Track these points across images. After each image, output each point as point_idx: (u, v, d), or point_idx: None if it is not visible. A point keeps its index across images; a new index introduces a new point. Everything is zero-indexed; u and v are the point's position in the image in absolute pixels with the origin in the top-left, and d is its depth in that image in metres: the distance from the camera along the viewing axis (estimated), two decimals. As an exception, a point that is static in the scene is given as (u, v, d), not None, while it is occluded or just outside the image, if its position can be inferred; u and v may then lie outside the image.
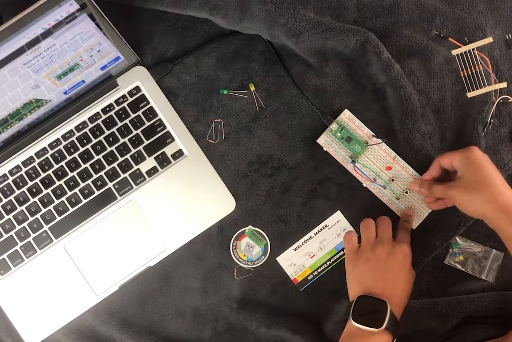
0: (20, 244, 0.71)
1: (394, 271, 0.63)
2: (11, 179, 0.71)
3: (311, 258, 0.71)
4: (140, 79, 0.72)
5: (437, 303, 0.67)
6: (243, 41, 0.73)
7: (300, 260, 0.71)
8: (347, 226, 0.71)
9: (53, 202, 0.71)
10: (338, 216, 0.71)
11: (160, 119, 0.71)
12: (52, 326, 0.70)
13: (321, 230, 0.71)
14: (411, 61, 0.71)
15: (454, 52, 0.71)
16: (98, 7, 0.63)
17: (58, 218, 0.71)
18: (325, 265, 0.71)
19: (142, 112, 0.71)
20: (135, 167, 0.71)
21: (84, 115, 0.72)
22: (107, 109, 0.72)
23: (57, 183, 0.71)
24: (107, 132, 0.71)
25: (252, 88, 0.73)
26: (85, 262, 0.71)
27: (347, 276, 0.66)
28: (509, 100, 0.71)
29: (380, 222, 0.68)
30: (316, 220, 0.71)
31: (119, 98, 0.72)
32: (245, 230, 0.72)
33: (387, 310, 0.59)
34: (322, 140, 0.71)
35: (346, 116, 0.71)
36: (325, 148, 0.71)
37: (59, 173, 0.71)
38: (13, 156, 0.71)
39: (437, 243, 0.68)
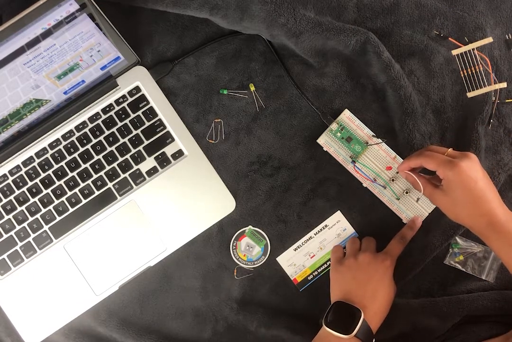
0: (20, 244, 0.71)
1: (375, 280, 0.64)
2: (11, 179, 0.71)
3: (311, 258, 0.71)
4: (140, 79, 0.72)
5: (437, 302, 0.67)
6: (243, 41, 0.73)
7: (300, 260, 0.71)
8: (347, 226, 0.71)
9: (53, 202, 0.71)
10: (338, 216, 0.71)
11: (160, 119, 0.71)
12: (52, 326, 0.70)
13: (321, 230, 0.71)
14: (411, 61, 0.71)
15: (454, 52, 0.71)
16: (98, 7, 0.63)
17: (58, 218, 0.71)
18: (325, 265, 0.71)
19: (142, 112, 0.71)
20: (135, 167, 0.71)
21: (84, 115, 0.72)
22: (107, 109, 0.72)
23: (57, 183, 0.71)
24: (107, 132, 0.71)
25: (252, 88, 0.73)
26: (85, 262, 0.71)
27: (331, 281, 0.68)
28: (507, 101, 0.71)
29: (365, 238, 0.69)
30: (316, 220, 0.71)
31: (119, 98, 0.72)
32: (245, 230, 0.72)
33: (360, 318, 0.60)
34: (322, 140, 0.71)
35: (346, 116, 0.71)
36: (325, 148, 0.71)
37: (59, 173, 0.71)
38: (13, 156, 0.71)
39: (437, 243, 0.68)
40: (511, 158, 0.71)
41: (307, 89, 0.72)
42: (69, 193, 0.71)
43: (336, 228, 0.71)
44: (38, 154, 0.71)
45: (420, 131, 0.70)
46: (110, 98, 0.72)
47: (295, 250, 0.71)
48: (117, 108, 0.71)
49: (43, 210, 0.71)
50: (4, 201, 0.71)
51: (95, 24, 0.64)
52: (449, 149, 0.62)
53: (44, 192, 0.71)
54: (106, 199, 0.71)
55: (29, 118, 0.70)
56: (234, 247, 0.72)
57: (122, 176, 0.71)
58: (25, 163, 0.71)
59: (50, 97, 0.69)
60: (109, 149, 0.71)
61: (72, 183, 0.71)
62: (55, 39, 0.64)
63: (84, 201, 0.71)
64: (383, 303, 0.63)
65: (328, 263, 0.71)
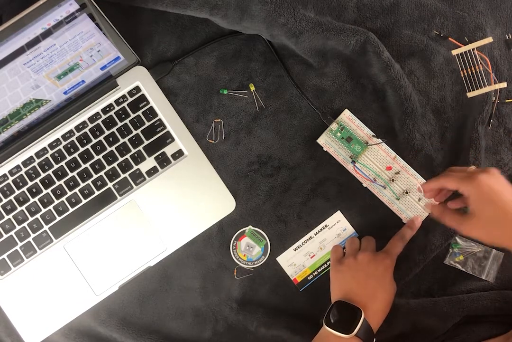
0: (20, 244, 0.71)
1: (375, 279, 0.64)
2: (11, 179, 0.71)
3: (311, 258, 0.71)
4: (140, 79, 0.72)
5: (437, 302, 0.67)
6: (243, 41, 0.73)
7: (300, 260, 0.71)
8: (347, 226, 0.71)
9: (53, 202, 0.71)
10: (338, 216, 0.71)
11: (160, 119, 0.71)
12: (52, 326, 0.70)
13: (321, 230, 0.71)
14: (411, 61, 0.71)
15: (454, 52, 0.71)
16: (98, 7, 0.63)
17: (58, 218, 0.71)
18: (325, 265, 0.71)
19: (142, 112, 0.71)
20: (135, 167, 0.71)
21: (84, 115, 0.72)
22: (107, 109, 0.72)
23: (57, 183, 0.71)
24: (107, 132, 0.71)
25: (252, 88, 0.73)
26: (85, 262, 0.71)
27: (331, 281, 0.67)
28: (507, 101, 0.71)
29: (364, 237, 0.70)
30: (316, 220, 0.71)
31: (119, 98, 0.72)
32: (245, 230, 0.72)
33: (360, 318, 0.60)
34: (322, 140, 0.71)
35: (346, 116, 0.71)
36: (325, 148, 0.71)
37: (59, 173, 0.71)
38: (13, 156, 0.71)
39: (437, 243, 0.68)
40: (511, 158, 0.71)
41: (307, 89, 0.72)
42: (69, 193, 0.71)
43: (336, 228, 0.71)
44: (38, 154, 0.71)
45: (420, 131, 0.70)
46: (110, 98, 0.72)
47: (295, 250, 0.71)
48: (117, 108, 0.71)
49: (43, 210, 0.71)
50: (4, 201, 0.71)
51: (95, 24, 0.64)
52: (471, 167, 0.60)
53: (44, 192, 0.71)
54: (106, 199, 0.71)
55: (29, 118, 0.70)
56: (234, 247, 0.72)
57: (122, 176, 0.71)
58: (25, 163, 0.71)
59: (50, 97, 0.69)
60: (109, 149, 0.71)
61: (72, 183, 0.71)
62: (55, 39, 0.64)
63: (84, 201, 0.71)
64: (384, 302, 0.63)
65: (328, 263, 0.71)
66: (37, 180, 0.71)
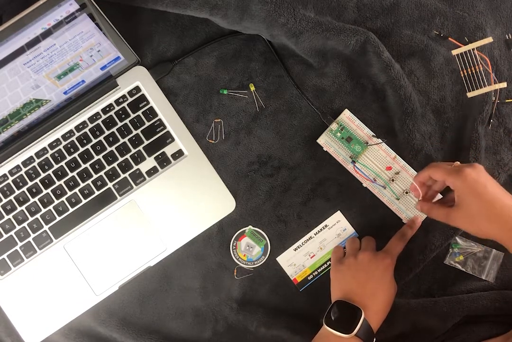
0: (20, 244, 0.71)
1: (375, 279, 0.64)
2: (11, 179, 0.71)
3: (311, 258, 0.71)
4: (140, 79, 0.72)
5: (437, 302, 0.67)
6: (243, 41, 0.73)
7: (300, 260, 0.71)
8: (347, 226, 0.71)
9: (53, 202, 0.71)
10: (338, 216, 0.71)
11: (160, 119, 0.71)
12: (52, 326, 0.70)
13: (321, 230, 0.71)
14: (411, 61, 0.71)
15: (454, 52, 0.71)
16: (98, 7, 0.63)
17: (58, 218, 0.71)
18: (325, 265, 0.71)
19: (142, 112, 0.71)
20: (135, 167, 0.71)
21: (84, 115, 0.72)
22: (107, 109, 0.72)
23: (57, 183, 0.71)
24: (107, 132, 0.71)
25: (252, 88, 0.73)
26: (85, 262, 0.71)
27: (331, 280, 0.68)
28: (507, 101, 0.71)
29: (365, 237, 0.70)
30: (316, 220, 0.71)
31: (119, 98, 0.72)
32: (245, 230, 0.72)
33: (360, 317, 0.60)
34: (322, 140, 0.71)
35: (346, 116, 0.71)
36: (325, 148, 0.71)
37: (59, 173, 0.71)
38: (13, 156, 0.71)
39: (437, 243, 0.68)
40: (511, 158, 0.71)
41: (307, 89, 0.72)
42: (69, 193, 0.71)
43: (336, 228, 0.71)
44: (38, 154, 0.71)
45: (420, 131, 0.70)
46: (110, 98, 0.72)
47: (295, 250, 0.71)
48: (117, 108, 0.71)
49: (43, 210, 0.71)
50: (4, 201, 0.71)
51: (95, 24, 0.64)
52: (455, 162, 0.61)
53: (44, 192, 0.71)
54: (106, 199, 0.71)
55: (29, 118, 0.70)
56: (234, 247, 0.72)
57: (122, 175, 0.71)
58: (25, 163, 0.71)
59: (50, 97, 0.69)
60: (109, 149, 0.71)
61: (72, 182, 0.71)
62: (55, 39, 0.64)
63: (84, 201, 0.71)
64: (384, 301, 0.63)
65: (328, 263, 0.71)
66: (37, 180, 0.71)
